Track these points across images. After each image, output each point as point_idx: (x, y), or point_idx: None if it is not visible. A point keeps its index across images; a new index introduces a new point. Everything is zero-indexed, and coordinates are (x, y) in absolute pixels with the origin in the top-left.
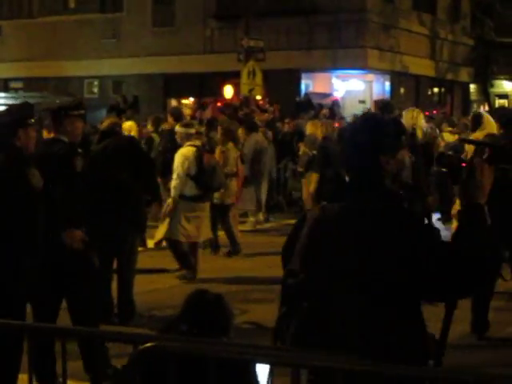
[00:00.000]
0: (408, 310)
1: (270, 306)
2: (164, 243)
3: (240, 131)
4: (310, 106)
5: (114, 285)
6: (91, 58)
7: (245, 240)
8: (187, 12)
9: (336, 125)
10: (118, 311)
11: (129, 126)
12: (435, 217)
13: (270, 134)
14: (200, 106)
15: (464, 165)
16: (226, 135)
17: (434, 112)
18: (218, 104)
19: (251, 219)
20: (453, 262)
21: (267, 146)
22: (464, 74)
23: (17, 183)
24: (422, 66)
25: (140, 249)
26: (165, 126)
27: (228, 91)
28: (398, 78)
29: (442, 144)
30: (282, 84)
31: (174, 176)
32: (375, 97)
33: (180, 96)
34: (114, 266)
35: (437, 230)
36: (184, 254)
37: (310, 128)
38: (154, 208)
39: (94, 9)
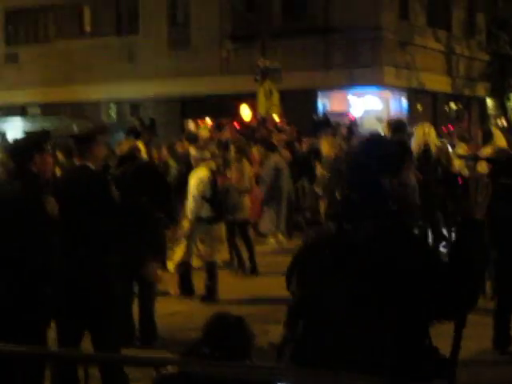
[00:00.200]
0: (411, 330)
1: None
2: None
3: (256, 151)
4: (327, 125)
5: (136, 308)
6: (108, 82)
7: (265, 260)
8: (203, 34)
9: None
10: (140, 334)
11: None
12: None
13: (287, 154)
14: (217, 127)
15: (460, 180)
16: (239, 153)
17: (450, 127)
18: (236, 125)
19: (271, 240)
20: (450, 279)
21: (285, 167)
22: (481, 89)
23: (32, 210)
24: (438, 82)
25: (160, 271)
26: (180, 150)
27: (245, 112)
28: (414, 94)
29: (457, 163)
30: (299, 104)
31: (190, 199)
32: (393, 114)
33: (197, 118)
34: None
35: (436, 251)
36: (189, 280)
37: (326, 148)
38: (171, 230)
39: (109, 32)
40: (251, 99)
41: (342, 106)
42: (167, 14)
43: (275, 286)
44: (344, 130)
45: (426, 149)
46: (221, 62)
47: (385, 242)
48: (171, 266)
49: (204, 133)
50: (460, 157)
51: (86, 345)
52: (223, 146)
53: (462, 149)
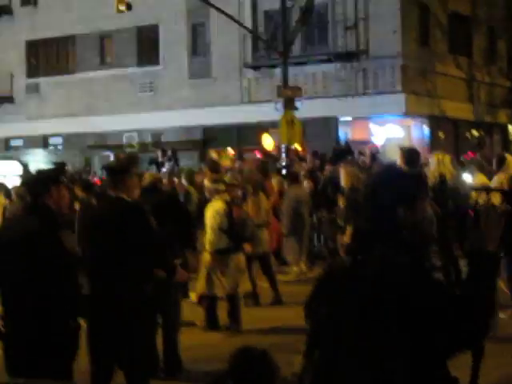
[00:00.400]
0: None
1: None
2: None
3: (274, 181)
4: (349, 154)
5: (159, 339)
6: (129, 112)
7: (288, 290)
8: (223, 63)
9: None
10: (164, 366)
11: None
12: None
13: (309, 183)
14: (239, 156)
15: (471, 212)
16: (255, 186)
17: (470, 155)
18: (257, 154)
19: (294, 269)
20: (462, 312)
21: (306, 197)
22: (502, 116)
23: (48, 245)
24: (459, 110)
25: (184, 301)
26: (200, 179)
27: (267, 141)
28: (436, 122)
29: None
30: (321, 132)
31: (208, 231)
32: (415, 142)
33: (219, 147)
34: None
35: (447, 286)
36: (214, 312)
37: (344, 178)
38: (191, 260)
39: (130, 63)
40: (273, 128)
41: (364, 134)
42: (187, 43)
43: (298, 315)
44: (367, 158)
45: (441, 179)
46: (242, 91)
47: (397, 275)
48: (194, 296)
49: (226, 162)
50: (473, 188)
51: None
52: (242, 177)
53: (479, 178)
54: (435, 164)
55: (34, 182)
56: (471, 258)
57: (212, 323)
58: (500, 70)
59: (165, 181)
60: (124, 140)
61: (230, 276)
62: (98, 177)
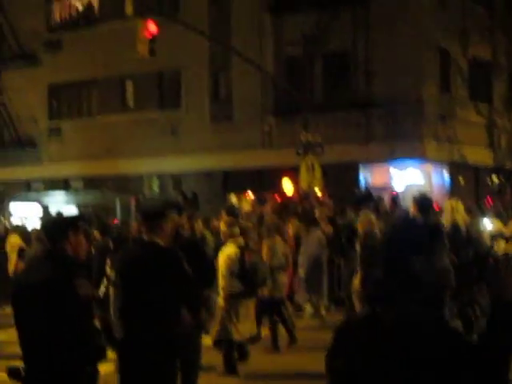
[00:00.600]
0: None
1: None
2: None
3: (291, 226)
4: (369, 199)
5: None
6: (150, 156)
7: (307, 335)
8: (245, 108)
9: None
10: None
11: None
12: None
13: (329, 228)
14: (259, 201)
15: (492, 260)
16: (271, 230)
17: (490, 201)
18: (277, 199)
19: (307, 308)
20: (482, 364)
21: (324, 241)
22: None
23: (61, 293)
24: (480, 155)
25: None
26: (217, 224)
27: (287, 186)
28: (456, 168)
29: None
30: (341, 177)
31: (220, 276)
32: (435, 187)
33: (239, 191)
34: None
35: (467, 337)
36: (233, 358)
37: (361, 225)
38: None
39: (152, 106)
40: (293, 173)
41: (384, 179)
42: (209, 88)
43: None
44: (388, 204)
45: (454, 226)
46: (263, 136)
47: (414, 329)
48: (209, 341)
49: (246, 206)
50: (493, 237)
51: None
52: (258, 221)
53: (495, 225)
54: (448, 211)
55: (51, 227)
56: (492, 308)
57: (231, 368)
58: None
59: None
60: (145, 184)
61: (242, 321)
62: (118, 220)
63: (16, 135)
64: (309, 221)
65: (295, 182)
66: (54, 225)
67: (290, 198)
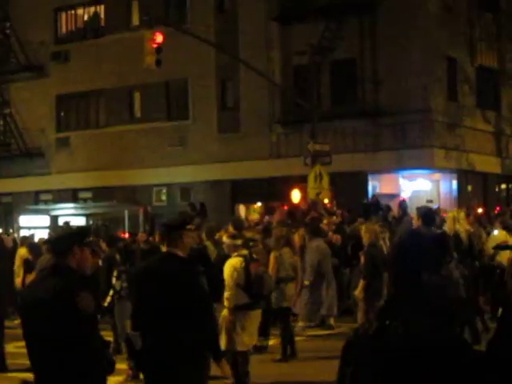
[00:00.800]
0: None
1: None
2: None
3: (297, 237)
4: (378, 208)
5: None
6: (158, 166)
7: (315, 344)
8: (252, 118)
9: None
10: None
11: None
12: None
13: (337, 237)
14: (267, 210)
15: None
16: (278, 240)
17: (498, 209)
18: (286, 209)
19: (299, 324)
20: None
21: (328, 250)
22: None
23: (66, 308)
24: (488, 164)
25: None
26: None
27: (295, 195)
28: (464, 176)
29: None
30: (349, 186)
31: (226, 287)
32: (443, 196)
33: (247, 201)
34: None
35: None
36: (242, 369)
37: (365, 235)
38: None
39: (160, 117)
40: (301, 182)
41: (392, 188)
42: (217, 98)
43: (321, 370)
44: (396, 211)
45: (456, 238)
46: (271, 146)
47: (422, 342)
48: None
49: (254, 216)
50: (496, 247)
51: None
52: (263, 231)
53: (500, 234)
54: (451, 222)
55: (57, 242)
56: (502, 317)
57: (239, 379)
58: None
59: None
60: (153, 194)
61: (249, 332)
62: (127, 231)
63: (24, 146)
64: (311, 230)
65: (303, 191)
66: (59, 239)
67: (297, 208)
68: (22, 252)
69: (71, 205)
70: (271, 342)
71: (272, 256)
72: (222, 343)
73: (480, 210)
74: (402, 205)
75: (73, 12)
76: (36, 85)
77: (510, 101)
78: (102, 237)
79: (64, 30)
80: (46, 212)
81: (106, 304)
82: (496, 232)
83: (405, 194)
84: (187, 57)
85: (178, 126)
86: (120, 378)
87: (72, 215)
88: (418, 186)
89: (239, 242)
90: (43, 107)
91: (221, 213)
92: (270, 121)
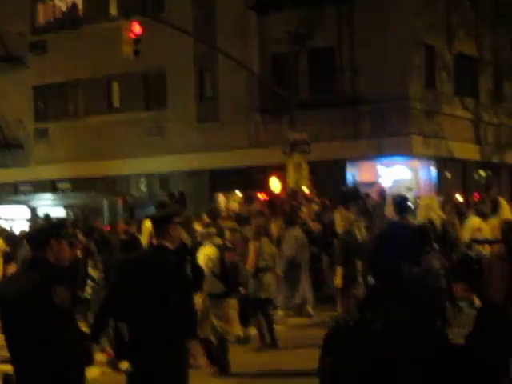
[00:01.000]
0: None
1: None
2: None
3: (274, 227)
4: (356, 196)
5: None
6: (137, 156)
7: (293, 334)
8: (231, 107)
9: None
10: None
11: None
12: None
13: (317, 225)
14: (247, 199)
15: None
16: (257, 230)
17: (477, 196)
18: (264, 197)
19: (279, 312)
20: (469, 367)
21: (304, 239)
22: (510, 156)
23: (42, 301)
24: (467, 151)
25: None
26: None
27: (274, 184)
28: (443, 163)
29: (466, 236)
30: (328, 175)
31: None
32: (422, 183)
33: (227, 190)
34: None
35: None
36: (214, 352)
37: (340, 223)
38: None
39: (138, 107)
40: (280, 171)
41: (371, 176)
42: (195, 87)
43: (302, 359)
44: (375, 197)
45: (430, 223)
46: (249, 135)
47: (402, 333)
48: None
49: (233, 205)
50: (473, 241)
51: None
52: (238, 220)
53: (473, 221)
54: (423, 209)
55: (34, 236)
56: (480, 312)
57: (219, 367)
58: (507, 111)
59: None
60: (132, 184)
61: (224, 320)
62: (106, 222)
63: (2, 137)
64: (286, 220)
65: (282, 180)
66: (36, 233)
67: (277, 197)
68: (0, 243)
69: (50, 196)
70: (253, 332)
71: (252, 246)
72: None
73: (459, 197)
74: (382, 193)
75: (51, 2)
76: (14, 75)
77: (489, 88)
78: (79, 227)
79: (42, 20)
80: (25, 203)
81: (87, 295)
82: (471, 219)
83: (384, 182)
84: (165, 46)
85: (156, 115)
86: (97, 370)
87: (51, 206)
88: (396, 174)
89: (212, 230)
90: (21, 98)
91: (200, 202)
92: (248, 110)
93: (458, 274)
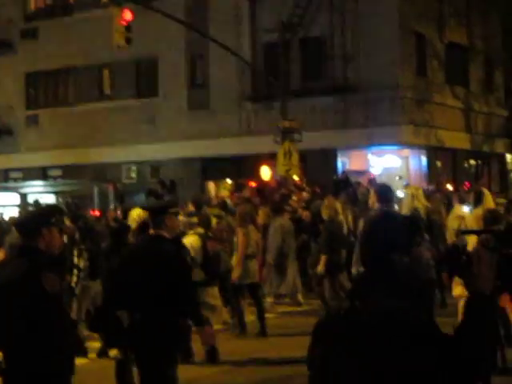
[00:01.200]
0: None
1: None
2: None
3: (261, 214)
4: (347, 184)
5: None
6: (128, 144)
7: (283, 321)
8: (222, 95)
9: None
10: None
11: (137, 215)
12: None
13: (306, 213)
14: (237, 187)
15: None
16: (243, 218)
17: (467, 185)
18: (255, 185)
19: (268, 300)
20: (458, 356)
21: (291, 227)
22: (500, 145)
23: (32, 289)
24: (457, 140)
25: None
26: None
27: (265, 172)
28: (434, 152)
29: (454, 224)
30: (319, 163)
31: None
32: (412, 172)
33: (217, 178)
34: None
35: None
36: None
37: (325, 211)
38: None
39: (129, 95)
40: (271, 160)
41: (362, 164)
42: (186, 75)
43: (291, 347)
44: (365, 184)
45: (415, 214)
46: (240, 123)
47: (392, 322)
48: None
49: (224, 193)
50: (462, 232)
51: None
52: (221, 206)
53: (457, 210)
54: (409, 199)
55: (25, 224)
56: (469, 302)
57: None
58: (497, 100)
59: None
60: (123, 172)
61: (206, 308)
62: (96, 208)
63: None
64: (273, 208)
65: (273, 168)
66: (26, 221)
67: (266, 185)
68: None
69: (40, 182)
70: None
71: (240, 233)
72: None
73: (449, 186)
74: (372, 182)
75: None
76: (5, 62)
77: (479, 77)
78: (66, 214)
79: (33, 7)
80: (15, 190)
81: (73, 284)
82: (456, 207)
83: (374, 171)
84: (156, 34)
85: (147, 103)
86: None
87: (41, 193)
88: (387, 163)
89: (195, 219)
90: (12, 85)
91: (191, 190)
92: (239, 98)
93: (445, 264)
